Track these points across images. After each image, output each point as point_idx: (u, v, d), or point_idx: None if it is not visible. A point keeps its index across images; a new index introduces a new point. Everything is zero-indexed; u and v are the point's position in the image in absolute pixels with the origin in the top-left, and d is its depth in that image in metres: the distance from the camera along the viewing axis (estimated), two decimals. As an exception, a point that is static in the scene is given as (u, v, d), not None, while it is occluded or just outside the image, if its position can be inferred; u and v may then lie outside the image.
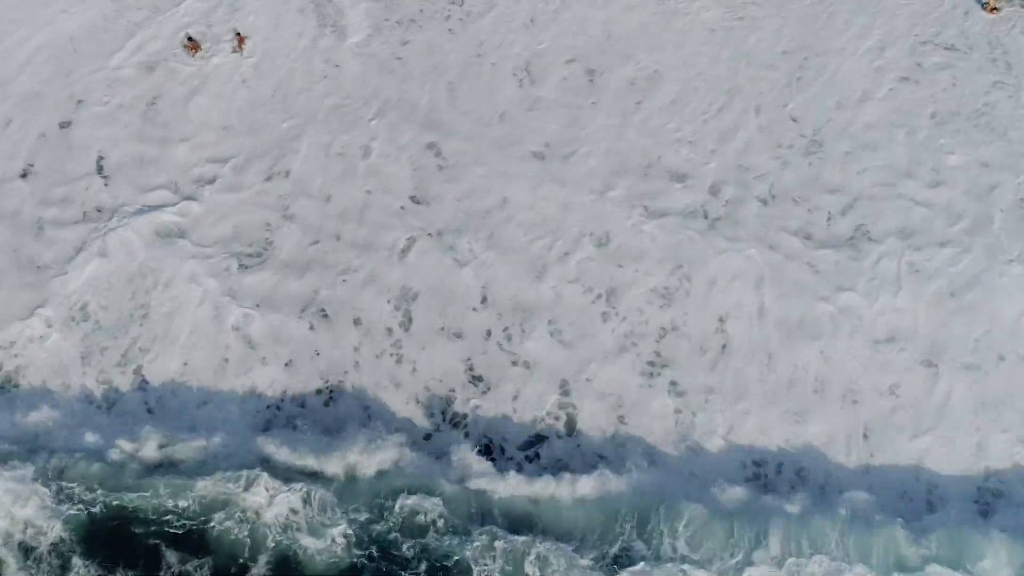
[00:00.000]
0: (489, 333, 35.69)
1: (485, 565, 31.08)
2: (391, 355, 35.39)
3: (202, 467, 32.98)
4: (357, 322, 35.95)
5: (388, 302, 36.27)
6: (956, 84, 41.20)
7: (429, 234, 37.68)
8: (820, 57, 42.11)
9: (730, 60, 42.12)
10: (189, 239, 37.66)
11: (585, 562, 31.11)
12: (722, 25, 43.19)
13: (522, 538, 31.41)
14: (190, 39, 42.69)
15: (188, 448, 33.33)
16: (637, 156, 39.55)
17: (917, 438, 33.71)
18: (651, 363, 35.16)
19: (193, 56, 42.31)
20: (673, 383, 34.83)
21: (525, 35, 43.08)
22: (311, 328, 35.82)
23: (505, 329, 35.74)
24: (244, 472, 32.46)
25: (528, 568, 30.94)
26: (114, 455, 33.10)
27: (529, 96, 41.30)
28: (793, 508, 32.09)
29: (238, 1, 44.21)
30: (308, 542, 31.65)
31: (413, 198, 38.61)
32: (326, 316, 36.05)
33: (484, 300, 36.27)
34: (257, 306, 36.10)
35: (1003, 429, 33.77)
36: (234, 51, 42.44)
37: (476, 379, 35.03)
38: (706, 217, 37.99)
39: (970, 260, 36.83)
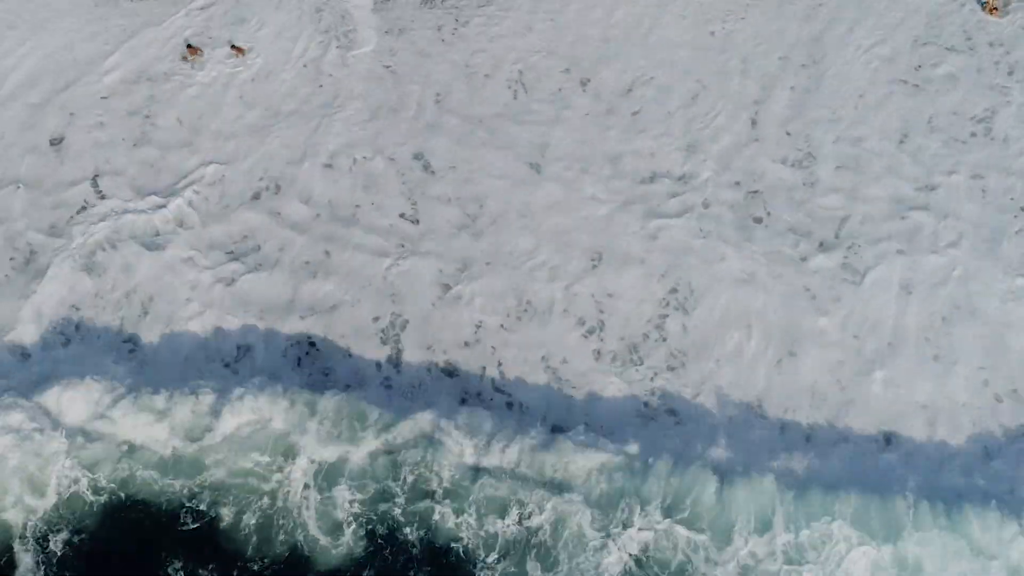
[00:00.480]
0: (484, 370, 34.81)
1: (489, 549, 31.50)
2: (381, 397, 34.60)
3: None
4: (346, 355, 35.02)
5: (376, 335, 35.23)
6: (956, 87, 40.51)
7: (418, 254, 36.78)
8: (819, 63, 41.21)
9: (729, 67, 41.16)
10: (181, 247, 36.81)
11: (591, 531, 31.38)
12: (721, 28, 42.12)
13: (537, 491, 31.87)
14: (189, 46, 41.72)
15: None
16: (631, 167, 38.71)
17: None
18: (646, 403, 34.51)
19: (193, 62, 41.39)
20: (672, 411, 34.26)
21: (519, 43, 42.01)
22: (299, 363, 34.93)
23: (499, 364, 34.90)
24: (270, 439, 32.82)
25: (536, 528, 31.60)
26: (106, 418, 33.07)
27: (523, 105, 40.28)
28: (795, 465, 32.50)
29: (239, 11, 43.22)
30: (315, 525, 31.89)
31: (403, 214, 37.68)
32: (313, 344, 35.20)
33: (478, 327, 35.43)
34: (244, 328, 35.37)
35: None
36: (235, 54, 41.61)
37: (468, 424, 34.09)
38: (701, 230, 37.29)
39: (970, 269, 36.37)
